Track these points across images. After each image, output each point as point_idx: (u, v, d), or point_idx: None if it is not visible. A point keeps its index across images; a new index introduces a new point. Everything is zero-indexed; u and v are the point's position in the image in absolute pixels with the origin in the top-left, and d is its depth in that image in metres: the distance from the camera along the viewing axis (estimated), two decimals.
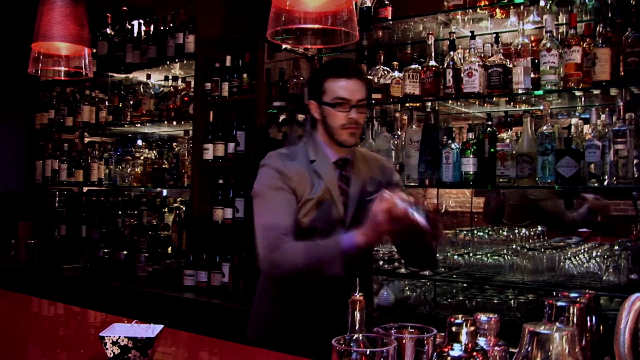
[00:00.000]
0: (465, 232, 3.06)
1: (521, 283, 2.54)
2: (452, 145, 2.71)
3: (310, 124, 3.26)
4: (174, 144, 4.25)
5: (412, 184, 2.80)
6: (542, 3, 2.64)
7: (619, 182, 2.29)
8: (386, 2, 3.04)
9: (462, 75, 2.66)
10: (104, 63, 4.38)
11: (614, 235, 3.58)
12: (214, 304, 3.32)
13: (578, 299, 1.27)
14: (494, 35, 2.71)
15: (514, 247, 2.68)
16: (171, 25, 4.05)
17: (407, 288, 2.93)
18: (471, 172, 2.63)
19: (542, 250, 2.58)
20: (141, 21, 4.32)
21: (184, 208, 4.11)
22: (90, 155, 4.50)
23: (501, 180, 2.57)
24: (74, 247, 4.49)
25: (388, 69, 3.10)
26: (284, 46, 3.33)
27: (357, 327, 1.06)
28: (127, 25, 4.40)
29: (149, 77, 4.31)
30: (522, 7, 2.67)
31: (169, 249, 4.09)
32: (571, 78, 2.41)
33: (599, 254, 2.53)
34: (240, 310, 3.13)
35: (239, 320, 3.11)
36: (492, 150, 2.61)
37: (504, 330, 1.16)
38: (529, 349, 0.99)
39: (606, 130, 2.37)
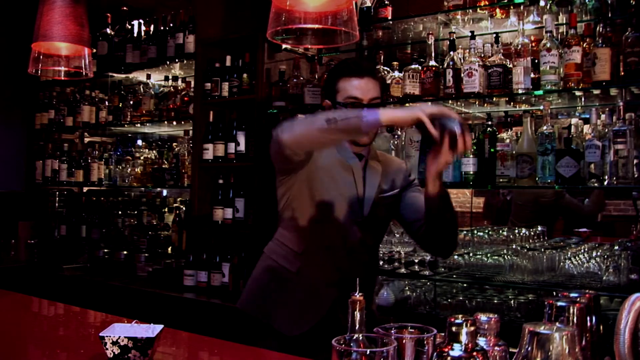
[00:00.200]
0: (465, 232, 3.06)
1: (521, 283, 2.54)
2: None
3: None
4: (174, 144, 4.25)
5: None
6: (542, 3, 2.64)
7: (619, 182, 2.29)
8: (386, 2, 3.04)
9: (462, 75, 2.66)
10: (104, 63, 4.38)
11: (614, 235, 3.58)
12: (214, 304, 3.32)
13: (578, 299, 1.27)
14: (494, 35, 2.71)
15: (514, 247, 2.68)
16: (171, 25, 4.05)
17: (407, 288, 2.93)
18: (471, 172, 2.63)
19: (542, 250, 2.58)
20: (141, 21, 4.32)
21: (184, 208, 4.11)
22: (90, 155, 4.50)
23: (501, 180, 2.57)
24: (74, 247, 4.49)
25: (388, 69, 3.10)
26: (284, 46, 3.33)
27: (357, 327, 1.06)
28: (127, 25, 4.40)
29: (149, 77, 4.31)
30: (522, 7, 2.67)
31: (169, 249, 4.09)
32: (571, 78, 2.41)
33: (599, 254, 2.53)
34: (238, 309, 3.12)
35: (239, 320, 3.12)
36: (492, 150, 2.61)
37: (504, 330, 1.16)
38: (529, 349, 0.99)
39: (606, 130, 2.37)
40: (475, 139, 2.67)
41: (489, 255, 2.79)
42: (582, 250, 2.62)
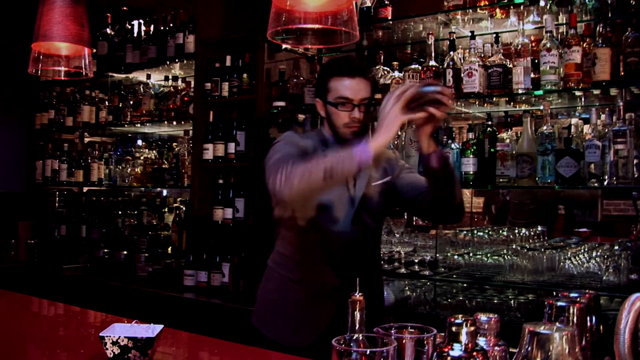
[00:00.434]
0: (465, 232, 3.06)
1: (521, 283, 2.54)
2: (452, 145, 2.71)
3: (311, 124, 3.27)
4: (174, 144, 4.25)
5: None
6: (542, 3, 2.64)
7: (619, 182, 2.29)
8: (386, 2, 3.04)
9: (462, 75, 2.66)
10: (104, 63, 4.38)
11: (614, 235, 3.59)
12: (214, 304, 3.32)
13: (578, 299, 1.26)
14: (494, 35, 2.71)
15: (514, 247, 2.68)
16: (171, 25, 4.05)
17: (407, 288, 2.93)
18: (471, 172, 2.63)
19: (542, 250, 2.58)
20: (141, 21, 4.32)
21: (184, 208, 4.11)
22: (90, 155, 4.50)
23: (501, 180, 2.57)
24: (74, 247, 4.49)
25: (388, 69, 3.09)
26: (284, 46, 3.33)
27: (357, 327, 1.06)
28: (127, 25, 4.40)
29: (149, 77, 4.31)
30: (522, 7, 2.67)
31: (169, 249, 4.09)
32: (571, 78, 2.41)
33: (599, 254, 2.53)
34: (240, 310, 3.13)
35: (239, 320, 3.12)
36: (492, 150, 2.61)
37: (504, 330, 1.15)
38: (529, 349, 0.99)
39: (606, 130, 2.37)
40: (475, 139, 2.67)
41: (489, 255, 2.79)
42: (582, 250, 2.62)
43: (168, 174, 3.94)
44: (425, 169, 1.80)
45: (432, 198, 1.87)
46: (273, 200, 1.76)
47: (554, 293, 2.28)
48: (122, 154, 4.38)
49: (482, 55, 2.73)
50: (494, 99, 2.74)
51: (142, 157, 4.32)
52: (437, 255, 2.88)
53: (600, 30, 2.37)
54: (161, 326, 1.54)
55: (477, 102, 2.88)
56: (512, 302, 2.59)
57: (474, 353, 1.00)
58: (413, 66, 2.86)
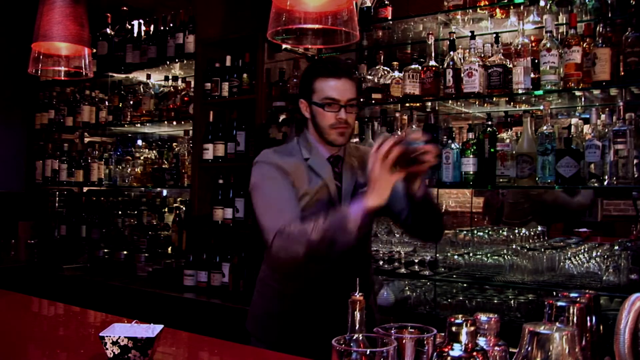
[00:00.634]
0: (465, 232, 3.06)
1: (521, 283, 2.54)
2: (452, 145, 2.71)
3: (297, 123, 3.26)
4: (174, 144, 4.25)
5: None
6: (542, 3, 2.64)
7: (619, 182, 2.29)
8: (386, 2, 3.04)
9: (462, 75, 2.66)
10: (104, 63, 4.39)
11: (614, 235, 3.58)
12: (214, 304, 3.32)
13: (578, 299, 1.26)
14: (494, 35, 2.71)
15: (514, 247, 2.68)
16: (171, 25, 4.05)
17: (407, 288, 2.93)
18: (471, 172, 2.63)
19: (542, 250, 2.58)
20: (141, 21, 4.32)
21: (184, 208, 4.11)
22: (90, 155, 4.50)
23: (501, 180, 2.57)
24: (74, 247, 4.49)
25: (388, 69, 3.10)
26: (284, 46, 3.33)
27: (357, 327, 1.06)
28: (127, 25, 4.40)
29: (149, 77, 4.31)
30: (522, 7, 2.67)
31: (169, 249, 4.09)
32: (571, 78, 2.41)
33: (599, 254, 2.53)
34: (240, 310, 3.12)
35: (239, 320, 3.12)
36: (492, 150, 2.61)
37: (504, 330, 1.15)
38: (529, 349, 0.99)
39: (606, 130, 2.37)
40: (475, 139, 2.67)
41: (489, 255, 2.79)
42: (582, 250, 2.62)
43: (168, 174, 3.94)
44: (409, 200, 1.84)
45: (414, 222, 1.92)
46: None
47: (554, 293, 2.28)
48: (122, 154, 4.38)
49: (482, 55, 2.73)
50: (494, 99, 2.74)
51: (142, 157, 4.32)
52: (437, 255, 2.88)
53: (600, 30, 2.37)
54: (161, 326, 1.54)
55: (477, 102, 2.88)
56: (512, 302, 2.59)
57: (474, 353, 1.00)
58: (413, 66, 2.86)
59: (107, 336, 1.43)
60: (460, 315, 1.02)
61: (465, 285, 2.80)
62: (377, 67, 3.12)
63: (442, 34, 2.95)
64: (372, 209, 1.66)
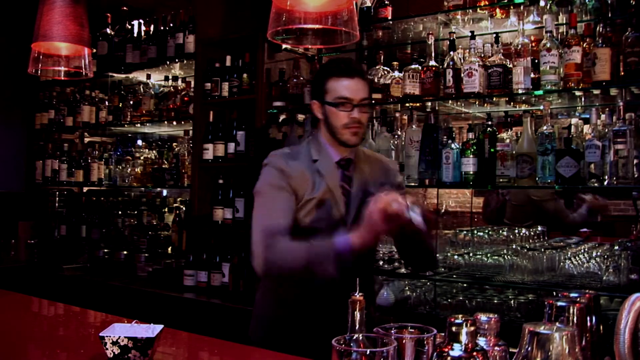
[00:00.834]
0: (465, 232, 3.06)
1: (521, 283, 2.54)
2: (452, 145, 2.71)
3: (312, 123, 3.26)
4: (174, 144, 4.25)
5: (412, 184, 2.80)
6: (542, 3, 2.64)
7: (619, 182, 2.29)
8: (386, 2, 3.04)
9: (462, 75, 2.66)
10: (104, 63, 4.38)
11: (614, 235, 3.57)
12: (214, 304, 3.32)
13: (578, 299, 1.27)
14: (494, 35, 2.71)
15: (514, 247, 2.68)
16: (171, 25, 4.05)
17: (407, 288, 2.93)
18: (471, 172, 2.63)
19: (542, 250, 2.58)
20: (141, 21, 4.32)
21: (184, 208, 4.11)
22: (90, 155, 4.50)
23: (501, 180, 2.57)
24: (74, 247, 4.49)
25: (388, 69, 3.10)
26: (284, 46, 3.33)
27: (357, 327, 1.06)
28: (127, 25, 4.40)
29: (149, 77, 4.31)
30: (522, 7, 2.67)
31: (169, 249, 4.09)
32: (571, 78, 2.41)
33: (599, 254, 2.53)
34: (240, 310, 3.13)
35: (239, 320, 3.12)
36: (492, 150, 2.61)
37: (504, 330, 1.15)
38: (529, 349, 0.99)
39: (606, 130, 2.37)
40: (475, 139, 2.67)
41: (489, 255, 2.79)
42: (582, 250, 2.62)
43: (168, 174, 3.94)
44: (397, 243, 1.93)
45: (400, 254, 1.98)
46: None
47: (554, 293, 2.29)
48: (122, 154, 4.38)
49: (482, 55, 2.73)
50: (494, 99, 2.74)
51: (142, 157, 4.32)
52: (437, 255, 2.87)
53: (600, 30, 2.37)
54: (161, 326, 1.54)
55: (477, 102, 2.88)
56: (512, 302, 2.59)
57: (474, 353, 1.00)
58: (413, 66, 2.86)
59: (107, 336, 1.43)
60: (460, 315, 1.02)
61: (465, 285, 2.80)
62: (377, 67, 3.12)
63: (442, 34, 2.95)
64: (358, 244, 1.70)
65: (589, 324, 1.24)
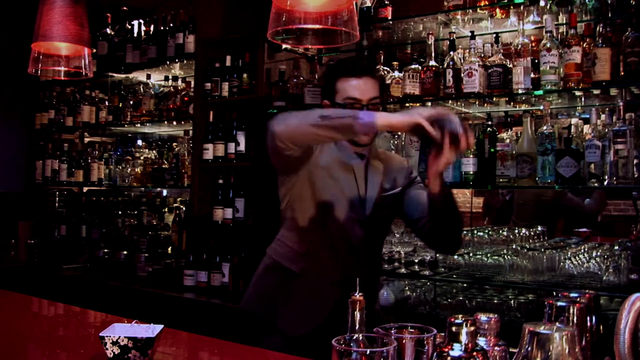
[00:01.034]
0: (465, 232, 3.06)
1: (521, 283, 2.54)
2: None
3: None
4: (174, 144, 4.25)
5: None
6: (542, 3, 2.64)
7: (619, 182, 2.29)
8: (386, 2, 3.04)
9: (462, 75, 2.66)
10: (104, 63, 4.38)
11: (614, 235, 3.58)
12: (214, 304, 3.32)
13: (578, 299, 1.27)
14: (494, 35, 2.71)
15: (514, 247, 2.68)
16: (171, 25, 4.05)
17: (407, 288, 2.93)
18: (471, 172, 2.63)
19: (542, 250, 2.58)
20: (141, 21, 4.32)
21: (184, 208, 4.11)
22: (90, 155, 4.50)
23: (501, 180, 2.57)
24: (74, 247, 4.49)
25: (388, 69, 3.09)
26: (284, 46, 3.33)
27: (357, 327, 1.06)
28: (127, 25, 4.40)
29: (149, 77, 4.31)
30: (522, 7, 2.67)
31: (169, 249, 4.09)
32: (571, 78, 2.41)
33: (599, 254, 2.53)
34: (241, 310, 3.12)
35: (239, 320, 3.12)
36: (492, 150, 2.61)
37: (504, 330, 1.15)
38: (529, 349, 0.99)
39: (606, 130, 2.37)
40: (475, 139, 2.67)
41: (489, 255, 2.79)
42: (582, 250, 2.62)
43: (168, 174, 3.94)
44: (430, 207, 1.83)
45: (431, 229, 1.91)
46: (267, 142, 1.75)
47: (554, 293, 2.28)
48: (122, 154, 4.38)
49: (482, 55, 2.73)
50: (494, 99, 2.74)
51: (142, 157, 4.32)
52: (437, 255, 2.88)
53: (600, 30, 2.37)
54: (161, 326, 1.54)
55: (477, 102, 2.88)
56: (512, 302, 2.59)
57: (474, 353, 1.00)
58: (413, 66, 2.86)
59: (107, 336, 1.43)
60: (460, 315, 1.02)
61: (465, 285, 2.80)
62: (377, 67, 3.12)
63: (442, 34, 2.95)
64: (383, 120, 1.62)
65: (589, 324, 1.24)
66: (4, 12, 4.72)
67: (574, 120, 2.73)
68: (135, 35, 4.31)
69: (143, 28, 4.29)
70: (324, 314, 1.92)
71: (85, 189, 4.76)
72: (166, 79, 4.21)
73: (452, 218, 1.86)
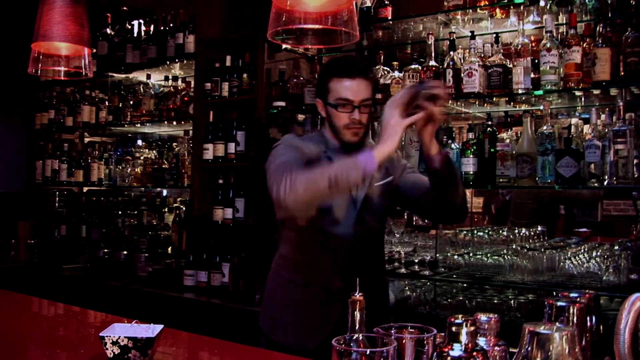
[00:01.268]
0: (465, 232, 3.06)
1: (521, 283, 2.54)
2: (452, 145, 2.71)
3: (311, 123, 3.27)
4: (174, 144, 4.25)
5: None
6: (542, 3, 2.64)
7: (619, 182, 2.29)
8: (386, 2, 3.04)
9: (462, 75, 2.66)
10: (104, 63, 4.39)
11: (614, 235, 3.59)
12: (214, 304, 3.32)
13: (578, 299, 1.27)
14: (494, 35, 2.71)
15: (514, 247, 2.68)
16: (171, 25, 4.05)
17: (407, 288, 2.93)
18: (471, 172, 2.63)
19: (542, 250, 2.58)
20: (141, 21, 4.32)
21: (184, 208, 4.11)
22: (90, 155, 4.50)
23: (501, 180, 2.57)
24: (74, 247, 4.49)
25: (388, 69, 3.09)
26: (284, 46, 3.33)
27: (357, 327, 1.06)
28: (127, 25, 4.40)
29: (149, 77, 4.31)
30: (522, 7, 2.67)
31: (169, 249, 4.09)
32: (571, 78, 2.41)
33: (599, 254, 2.53)
34: (240, 310, 3.13)
35: (239, 320, 3.12)
36: (492, 150, 2.61)
37: (504, 330, 1.16)
38: (529, 349, 0.99)
39: (606, 130, 2.37)
40: (475, 139, 2.67)
41: (489, 255, 2.79)
42: (582, 250, 2.62)
43: (168, 174, 3.94)
44: (428, 170, 1.82)
45: (435, 198, 1.88)
46: (276, 206, 1.75)
47: (554, 293, 2.28)
48: (122, 154, 4.38)
49: (482, 55, 2.73)
50: (494, 99, 2.74)
51: (142, 157, 4.32)
52: (437, 255, 2.88)
53: (600, 30, 2.37)
54: (161, 326, 1.54)
55: (477, 102, 2.88)
56: (512, 302, 2.59)
57: (474, 353, 1.00)
58: (413, 66, 2.86)
59: (107, 336, 1.43)
60: (460, 315, 1.02)
61: (465, 285, 2.80)
62: (377, 67, 3.12)
63: (442, 34, 2.95)
64: (382, 155, 1.64)
65: (589, 324, 1.24)
66: (4, 12, 4.72)
67: (574, 120, 2.73)
68: (135, 35, 4.31)
69: (143, 28, 4.29)
70: (331, 322, 1.89)
71: (85, 189, 4.76)
72: (166, 79, 4.21)
73: (455, 182, 1.83)
